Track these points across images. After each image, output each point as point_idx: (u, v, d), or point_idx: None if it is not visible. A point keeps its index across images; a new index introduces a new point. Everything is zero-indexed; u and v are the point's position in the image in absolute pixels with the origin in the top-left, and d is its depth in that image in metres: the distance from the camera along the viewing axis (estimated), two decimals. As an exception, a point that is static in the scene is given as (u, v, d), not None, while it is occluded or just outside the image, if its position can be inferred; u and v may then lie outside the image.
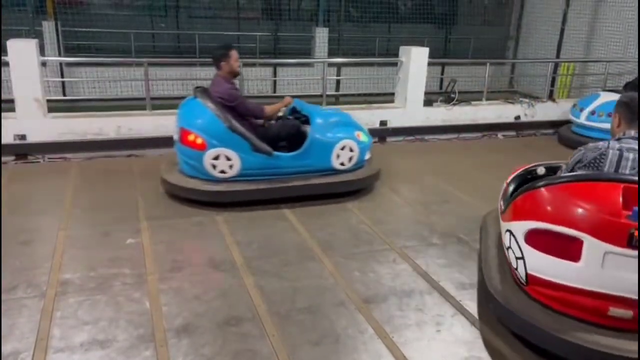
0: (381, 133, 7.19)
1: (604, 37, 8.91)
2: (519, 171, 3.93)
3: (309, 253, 3.94)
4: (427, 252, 4.04)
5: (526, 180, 3.66)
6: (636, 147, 2.76)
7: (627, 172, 2.72)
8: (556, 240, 2.64)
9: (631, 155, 2.74)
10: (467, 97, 8.02)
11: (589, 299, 2.63)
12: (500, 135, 7.86)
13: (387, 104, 7.57)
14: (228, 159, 4.56)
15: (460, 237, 4.32)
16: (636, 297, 2.54)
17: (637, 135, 2.82)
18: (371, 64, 9.09)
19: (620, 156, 2.75)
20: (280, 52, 10.31)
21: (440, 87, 9.38)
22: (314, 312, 3.17)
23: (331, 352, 2.83)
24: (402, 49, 7.31)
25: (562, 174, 2.96)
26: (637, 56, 8.60)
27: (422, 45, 7.57)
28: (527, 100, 8.08)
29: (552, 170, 3.59)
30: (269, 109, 4.91)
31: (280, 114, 5.16)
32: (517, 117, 7.96)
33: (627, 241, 2.46)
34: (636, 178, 2.59)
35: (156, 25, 10.04)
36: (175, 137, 4.74)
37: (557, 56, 8.72)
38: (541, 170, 3.67)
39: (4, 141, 5.68)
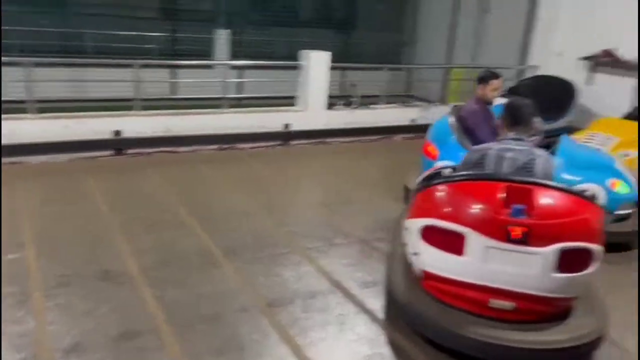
0: (284, 136, 7.20)
1: (489, 44, 9.58)
2: (430, 171, 4.06)
3: (210, 259, 3.83)
4: (331, 253, 4.08)
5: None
6: (514, 147, 2.98)
7: (506, 170, 2.92)
8: (446, 236, 2.77)
9: (509, 155, 2.95)
10: (368, 100, 8.26)
11: (472, 291, 2.79)
12: (398, 137, 8.18)
13: (290, 107, 7.59)
14: None
15: (362, 236, 4.42)
16: (515, 289, 2.72)
17: (516, 137, 3.04)
18: (273, 67, 9.07)
19: (500, 157, 2.96)
20: (180, 53, 9.99)
21: (342, 91, 9.57)
22: (216, 320, 3.08)
23: (235, 359, 2.76)
24: (303, 53, 7.37)
25: (454, 173, 3.13)
26: (517, 64, 9.36)
27: (325, 49, 7.69)
28: (421, 103, 8.47)
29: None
30: None
31: None
32: (413, 120, 8.32)
33: (506, 236, 2.63)
34: (517, 177, 2.80)
35: (40, 22, 9.30)
36: None
37: (448, 62, 9.23)
38: (447, 171, 3.83)
39: None
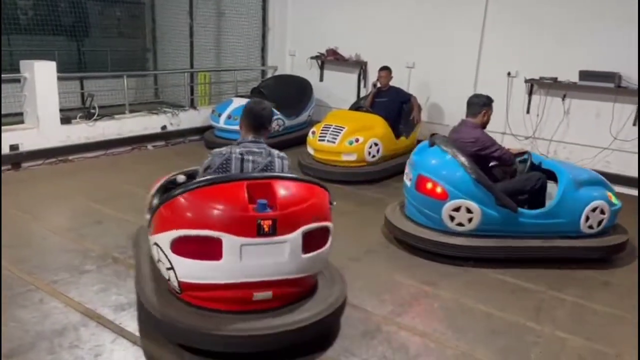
0: (13, 159, 6.30)
1: (230, 48, 9.88)
2: (161, 182, 3.98)
3: None
4: (81, 281, 3.74)
5: (169, 190, 3.74)
6: (255, 149, 3.13)
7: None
8: (199, 244, 2.77)
9: (251, 158, 3.09)
10: (111, 110, 7.75)
11: (236, 291, 2.86)
12: (150, 146, 7.88)
13: (16, 125, 6.66)
14: (469, 211, 4.21)
15: (116, 257, 4.16)
16: (273, 278, 2.88)
17: (254, 139, 3.18)
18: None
19: (242, 160, 3.08)
20: None
21: (83, 103, 8.80)
22: None
23: None
24: (24, 64, 6.52)
25: (196, 180, 3.13)
26: (258, 65, 9.88)
27: (52, 58, 6.93)
28: (170, 109, 8.31)
29: (191, 177, 3.74)
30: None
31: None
32: (164, 127, 8.12)
33: (257, 231, 2.76)
34: (256, 174, 2.96)
35: None
36: (408, 182, 4.58)
37: (191, 66, 9.23)
38: (181, 178, 3.80)
39: None
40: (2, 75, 6.47)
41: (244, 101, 8.05)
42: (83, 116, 7.18)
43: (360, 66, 8.78)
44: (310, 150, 6.77)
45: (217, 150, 3.18)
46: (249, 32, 9.75)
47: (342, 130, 6.55)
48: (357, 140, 6.47)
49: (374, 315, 3.51)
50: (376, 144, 6.52)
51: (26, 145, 6.44)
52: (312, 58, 9.21)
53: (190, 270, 2.84)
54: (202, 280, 2.84)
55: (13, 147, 6.31)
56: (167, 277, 2.98)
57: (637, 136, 6.45)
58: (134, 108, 8.15)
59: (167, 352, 2.95)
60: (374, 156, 6.53)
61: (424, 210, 4.46)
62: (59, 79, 6.76)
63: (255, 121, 3.18)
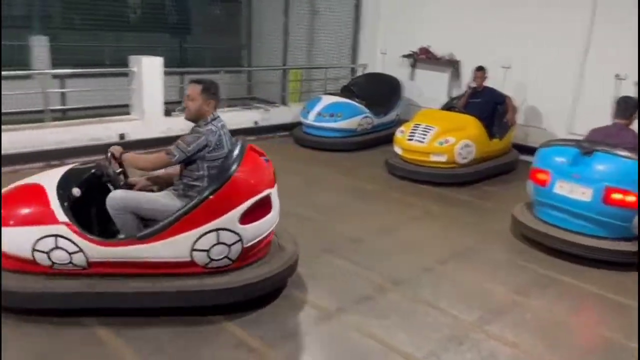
0: (121, 147, 6.77)
1: (321, 46, 10.02)
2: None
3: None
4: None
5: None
6: (223, 122, 3.44)
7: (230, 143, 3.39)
8: (259, 207, 3.29)
9: (226, 130, 3.41)
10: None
11: (271, 235, 3.53)
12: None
13: (124, 116, 7.17)
14: None
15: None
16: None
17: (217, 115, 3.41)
18: (102, 75, 8.49)
19: (225, 133, 3.38)
20: (-10, 63, 8.87)
21: (182, 96, 9.29)
22: None
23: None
24: (133, 59, 7.01)
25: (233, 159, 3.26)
26: (349, 63, 9.93)
27: (157, 54, 7.39)
28: (262, 105, 8.56)
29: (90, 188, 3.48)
30: None
31: None
32: (256, 122, 8.39)
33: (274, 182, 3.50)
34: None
35: None
36: (585, 197, 4.27)
37: (284, 64, 9.46)
38: (76, 191, 3.31)
39: None
40: (113, 69, 6.98)
41: (333, 99, 8.17)
42: (182, 109, 7.57)
43: (452, 65, 8.56)
44: (398, 150, 6.70)
45: (207, 129, 3.29)
46: (341, 30, 9.83)
47: (432, 130, 6.43)
48: (447, 141, 6.32)
49: (462, 321, 3.42)
50: (468, 146, 6.33)
51: (131, 135, 6.91)
52: (403, 56, 9.11)
53: (256, 231, 3.25)
54: (261, 237, 3.29)
55: (121, 136, 6.80)
56: (221, 256, 3.20)
57: None
58: (228, 103, 8.48)
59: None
60: (465, 158, 6.34)
61: (607, 221, 4.26)
62: (163, 73, 7.18)
63: (219, 97, 3.48)
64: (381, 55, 9.63)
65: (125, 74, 7.21)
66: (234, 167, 3.16)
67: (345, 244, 4.53)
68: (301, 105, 8.57)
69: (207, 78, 3.49)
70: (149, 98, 7.01)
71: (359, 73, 9.76)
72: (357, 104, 8.05)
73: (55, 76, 8.29)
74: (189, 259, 3.16)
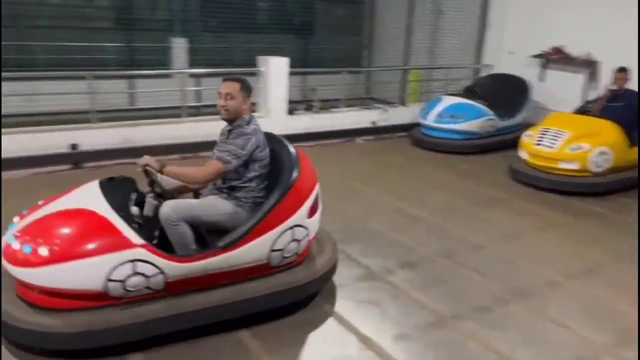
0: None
1: (444, 46, 9.79)
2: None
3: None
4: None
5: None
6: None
7: None
8: (315, 203, 3.37)
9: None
10: (327, 104, 8.31)
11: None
12: (359, 139, 8.25)
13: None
14: None
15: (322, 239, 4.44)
16: None
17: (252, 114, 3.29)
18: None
19: None
20: (136, 63, 9.83)
21: (302, 96, 9.60)
22: None
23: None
24: (261, 59, 7.37)
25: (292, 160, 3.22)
26: (472, 63, 9.60)
27: (283, 54, 7.70)
28: (381, 105, 8.57)
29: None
30: None
31: None
32: (374, 122, 8.42)
33: None
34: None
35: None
36: None
37: (405, 64, 9.38)
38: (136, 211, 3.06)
39: None
40: (243, 69, 7.39)
41: (455, 99, 7.96)
42: (305, 108, 7.84)
43: (589, 66, 7.92)
44: (524, 155, 6.35)
45: (252, 128, 3.18)
46: (465, 30, 9.53)
47: (563, 134, 6.01)
48: (581, 148, 5.87)
49: (591, 342, 3.17)
50: (605, 153, 5.83)
51: (256, 132, 7.26)
52: (533, 56, 8.61)
53: (316, 225, 3.37)
54: (316, 230, 3.39)
55: (246, 133, 7.19)
56: (292, 253, 3.21)
57: None
58: (347, 103, 8.60)
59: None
60: (600, 166, 5.85)
61: None
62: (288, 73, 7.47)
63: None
64: (507, 55, 9.19)
65: (252, 73, 7.60)
66: (296, 163, 3.17)
67: (464, 249, 4.40)
68: (420, 106, 8.45)
69: (241, 75, 3.32)
70: (274, 97, 7.34)
71: (483, 73, 9.39)
72: (480, 105, 7.77)
73: (191, 75, 8.95)
74: (265, 261, 3.10)
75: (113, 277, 2.68)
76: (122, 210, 2.85)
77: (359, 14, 12.14)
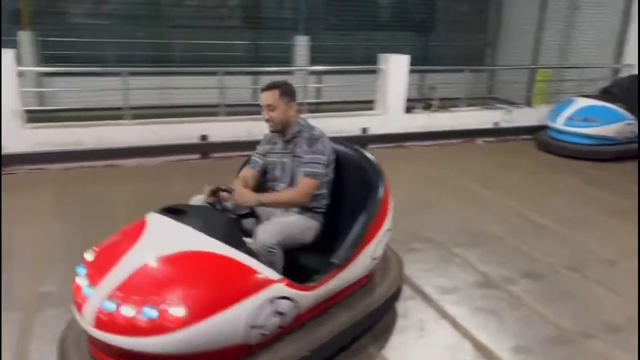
0: (362, 140, 7.22)
1: (578, 44, 9.10)
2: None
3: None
4: (407, 258, 4.04)
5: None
6: None
7: None
8: None
9: None
10: (447, 103, 8.11)
11: None
12: (479, 141, 7.95)
13: (367, 111, 7.60)
14: None
15: (440, 241, 4.35)
16: None
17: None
18: (352, 72, 9.14)
19: None
20: (261, 60, 10.32)
21: (420, 94, 9.46)
22: None
23: None
24: (382, 57, 7.37)
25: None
26: (611, 63, 8.81)
27: (402, 52, 7.64)
28: (505, 106, 8.18)
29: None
30: None
31: None
32: (496, 123, 8.06)
33: None
34: None
35: (136, 34, 9.98)
36: None
37: (534, 62, 8.86)
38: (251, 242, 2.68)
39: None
40: (363, 67, 7.46)
41: (589, 101, 7.37)
42: (423, 107, 7.72)
43: None
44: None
45: (319, 132, 2.96)
46: (604, 26, 8.77)
47: None
48: None
49: None
50: None
51: (373, 129, 7.29)
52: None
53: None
54: None
55: (363, 130, 7.24)
56: (378, 258, 3.00)
57: None
58: (468, 102, 8.32)
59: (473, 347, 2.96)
60: None
61: None
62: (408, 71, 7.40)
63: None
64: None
65: (371, 71, 7.62)
66: (377, 165, 3.01)
67: (592, 263, 4.07)
68: (548, 108, 7.94)
69: (280, 80, 3.01)
70: (393, 95, 7.31)
71: (623, 74, 8.58)
72: (618, 108, 7.12)
73: (311, 72, 9.20)
74: (367, 272, 2.95)
75: (256, 323, 2.28)
76: (237, 244, 2.44)
77: (485, 10, 11.68)
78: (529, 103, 8.59)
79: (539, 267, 3.97)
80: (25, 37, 8.81)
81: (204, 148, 6.59)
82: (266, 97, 2.86)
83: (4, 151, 5.73)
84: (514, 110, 8.16)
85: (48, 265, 3.71)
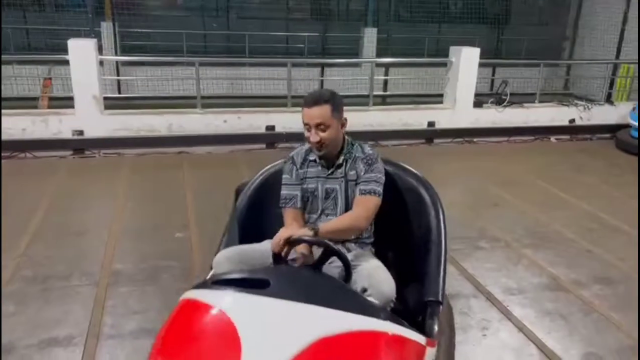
0: (429, 134, 7.10)
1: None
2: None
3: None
4: (474, 255, 3.95)
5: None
6: None
7: None
8: None
9: None
10: (519, 99, 7.80)
11: None
12: (553, 138, 7.60)
13: (435, 104, 7.45)
14: None
15: (508, 241, 4.21)
16: None
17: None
18: (420, 65, 8.98)
19: None
20: (329, 52, 10.34)
21: (491, 89, 9.16)
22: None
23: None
24: (453, 49, 7.19)
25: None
26: None
27: (473, 45, 7.42)
28: (582, 102, 7.77)
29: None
30: None
31: None
32: (572, 121, 7.68)
33: None
34: None
35: (207, 25, 10.26)
36: None
37: (617, 57, 8.35)
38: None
39: (63, 136, 5.98)
40: (432, 59, 7.31)
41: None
42: (494, 102, 7.47)
43: None
44: None
45: (374, 151, 2.38)
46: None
47: None
48: None
49: None
50: None
51: (441, 124, 7.14)
52: None
53: None
54: None
55: (430, 124, 7.10)
56: None
57: None
58: (542, 98, 7.97)
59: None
60: None
61: None
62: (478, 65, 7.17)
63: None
64: None
65: (440, 65, 7.45)
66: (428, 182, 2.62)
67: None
68: (631, 105, 7.47)
69: (324, 90, 2.51)
70: (462, 88, 7.12)
71: None
72: None
73: (378, 64, 9.11)
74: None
75: None
76: (369, 310, 1.81)
77: (563, 3, 11.13)
78: (608, 100, 8.11)
79: (612, 273, 3.75)
80: (106, 28, 9.28)
81: (270, 138, 6.70)
82: (316, 114, 2.17)
83: (85, 135, 6.07)
84: (592, 107, 7.73)
85: (121, 245, 3.90)
